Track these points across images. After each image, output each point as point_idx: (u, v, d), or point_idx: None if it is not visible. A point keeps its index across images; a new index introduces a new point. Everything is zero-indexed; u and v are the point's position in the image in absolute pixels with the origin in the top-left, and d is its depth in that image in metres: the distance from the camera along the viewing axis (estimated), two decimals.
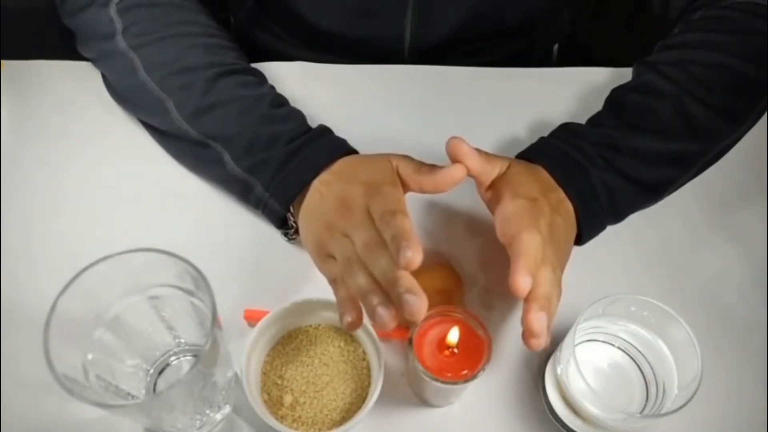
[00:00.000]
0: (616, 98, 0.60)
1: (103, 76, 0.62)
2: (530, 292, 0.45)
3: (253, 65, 0.63)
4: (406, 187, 0.51)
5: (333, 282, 0.48)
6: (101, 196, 0.61)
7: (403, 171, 0.51)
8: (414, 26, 0.72)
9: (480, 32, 0.75)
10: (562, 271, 0.51)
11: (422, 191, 0.50)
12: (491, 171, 0.52)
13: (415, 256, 0.41)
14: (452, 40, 0.73)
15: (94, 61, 0.62)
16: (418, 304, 0.41)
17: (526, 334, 0.45)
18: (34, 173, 0.62)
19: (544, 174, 0.54)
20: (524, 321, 0.45)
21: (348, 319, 0.45)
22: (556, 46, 0.93)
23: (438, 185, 0.49)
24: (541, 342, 0.45)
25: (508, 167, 0.53)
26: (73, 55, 0.63)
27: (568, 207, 0.53)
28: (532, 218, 0.48)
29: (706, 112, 0.56)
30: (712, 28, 0.60)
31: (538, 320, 0.45)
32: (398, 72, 0.71)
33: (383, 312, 0.42)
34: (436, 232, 0.61)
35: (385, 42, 0.74)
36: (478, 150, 0.51)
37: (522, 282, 0.45)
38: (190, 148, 0.58)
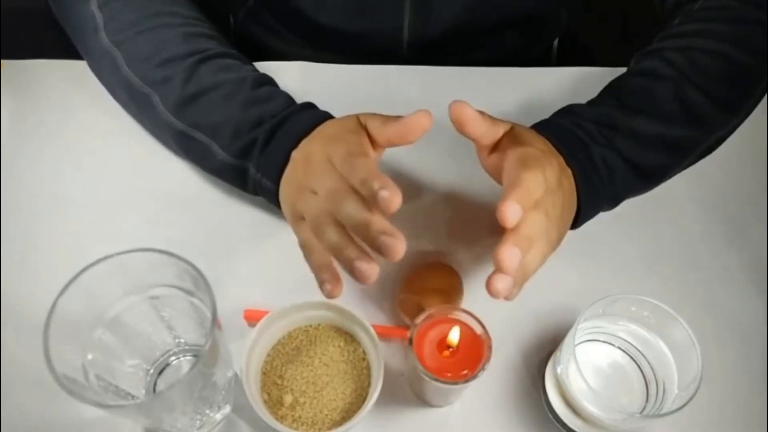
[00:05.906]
0: (616, 82, 0.59)
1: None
2: (513, 227, 0.41)
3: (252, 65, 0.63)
4: (376, 145, 0.49)
5: (304, 247, 0.45)
6: (101, 196, 0.61)
7: (371, 126, 0.49)
8: (412, 21, 0.72)
9: (477, 27, 0.75)
10: (553, 249, 0.48)
11: (390, 144, 0.48)
12: (495, 133, 0.50)
13: (393, 196, 0.38)
14: (450, 35, 0.74)
15: (85, 57, 0.62)
16: (396, 245, 0.37)
17: (493, 272, 0.41)
18: (34, 173, 0.62)
19: (546, 140, 0.52)
20: (495, 254, 0.40)
21: (327, 287, 0.43)
22: (555, 45, 0.93)
23: (404, 134, 0.47)
24: (502, 288, 0.41)
25: (511, 128, 0.51)
26: (73, 55, 0.63)
27: (570, 175, 0.51)
28: (538, 163, 0.46)
29: (704, 99, 0.56)
30: (713, 18, 0.60)
31: (510, 256, 0.40)
32: (398, 72, 0.71)
33: (362, 266, 0.39)
34: (436, 232, 0.61)
35: (384, 37, 0.74)
36: (482, 113, 0.49)
37: (510, 210, 0.40)
38: (181, 142, 0.57)
